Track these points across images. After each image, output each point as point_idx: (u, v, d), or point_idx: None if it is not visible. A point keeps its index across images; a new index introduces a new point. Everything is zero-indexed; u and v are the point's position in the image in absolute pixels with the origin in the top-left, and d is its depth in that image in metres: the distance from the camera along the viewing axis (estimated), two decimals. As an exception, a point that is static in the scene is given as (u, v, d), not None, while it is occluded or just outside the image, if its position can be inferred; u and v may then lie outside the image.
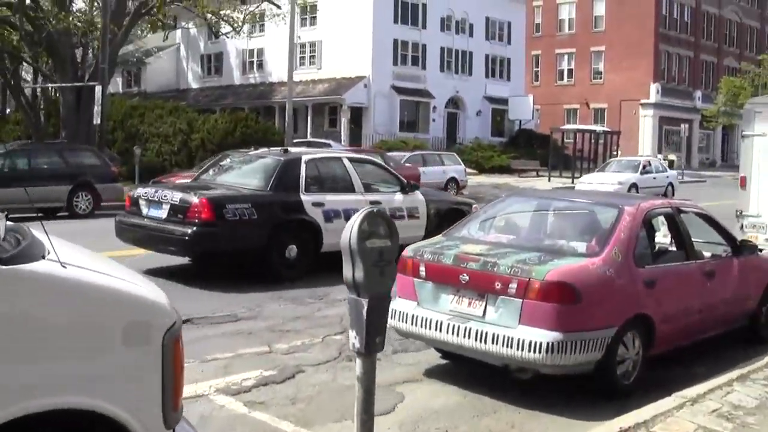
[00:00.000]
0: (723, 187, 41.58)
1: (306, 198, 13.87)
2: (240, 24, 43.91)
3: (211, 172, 15.71)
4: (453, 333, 7.70)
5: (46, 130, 41.17)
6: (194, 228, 12.71)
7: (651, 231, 9.12)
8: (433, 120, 58.37)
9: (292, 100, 36.20)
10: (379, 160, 18.57)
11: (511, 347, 7.27)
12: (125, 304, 3.93)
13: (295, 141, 46.43)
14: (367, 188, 15.12)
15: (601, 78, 71.51)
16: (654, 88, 68.35)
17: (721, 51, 77.54)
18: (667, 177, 38.98)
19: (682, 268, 8.78)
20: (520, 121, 61.04)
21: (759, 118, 15.96)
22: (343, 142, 52.51)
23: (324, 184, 14.55)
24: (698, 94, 73.13)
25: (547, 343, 7.12)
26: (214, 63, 67.60)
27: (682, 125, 60.29)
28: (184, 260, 14.45)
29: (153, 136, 41.77)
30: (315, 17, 58.11)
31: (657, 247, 9.14)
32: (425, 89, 57.93)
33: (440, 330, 7.82)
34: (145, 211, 13.71)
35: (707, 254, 9.67)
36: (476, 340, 7.51)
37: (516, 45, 64.84)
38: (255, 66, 63.51)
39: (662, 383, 8.31)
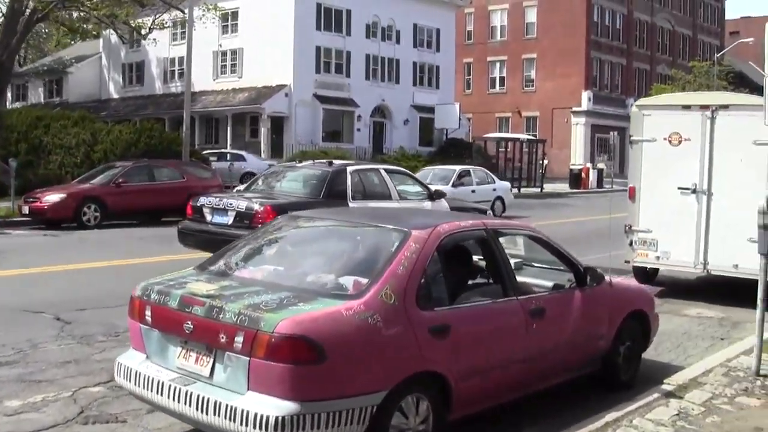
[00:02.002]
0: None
1: (353, 205, 14.97)
2: (147, 30, 41.95)
3: (260, 182, 16.80)
4: (174, 398, 5.88)
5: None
6: None
7: (460, 260, 7.34)
8: (358, 129, 56.54)
9: (189, 111, 34.25)
10: (409, 172, 19.96)
11: (235, 421, 5.45)
12: None
13: (205, 152, 44.53)
14: (401, 196, 16.48)
15: (533, 86, 70.25)
16: (586, 95, 67.18)
17: (653, 58, 76.72)
18: (494, 190, 32.70)
19: (492, 308, 6.92)
20: (446, 130, 59.37)
21: (648, 121, 14.37)
22: (263, 153, 50.69)
23: (366, 192, 15.77)
24: (631, 101, 71.72)
25: (277, 418, 5.29)
26: (135, 72, 65.39)
27: (612, 133, 58.93)
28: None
29: (57, 148, 39.64)
30: (236, 24, 56.14)
31: (465, 282, 7.33)
32: (349, 98, 56.05)
33: (161, 393, 5.99)
34: (209, 218, 14.90)
35: (547, 285, 7.96)
36: (198, 409, 5.69)
37: (445, 52, 63.10)
38: (176, 75, 61.27)
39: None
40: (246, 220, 14.02)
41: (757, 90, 68.42)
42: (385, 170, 17.06)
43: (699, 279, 15.63)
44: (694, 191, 13.78)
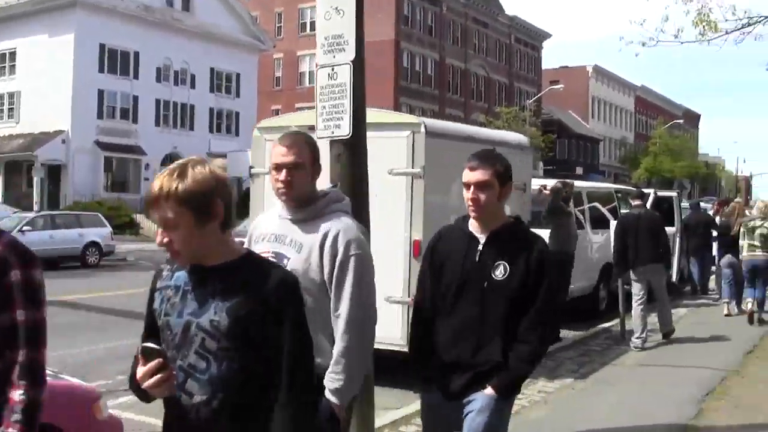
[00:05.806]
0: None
1: None
2: None
3: None
4: None
5: None
6: None
7: None
8: (146, 179, 52.59)
9: None
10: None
11: None
12: None
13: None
14: None
15: (342, 133, 68.06)
16: (394, 142, 65.22)
17: (468, 105, 75.67)
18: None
19: None
20: (239, 179, 56.04)
21: (271, 148, 11.53)
22: (35, 204, 46.36)
23: None
24: (443, 148, 70.67)
25: None
26: None
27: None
28: None
29: None
30: (14, 65, 52.06)
31: None
32: (137, 145, 52.33)
33: None
34: None
35: None
36: None
37: (246, 98, 60.20)
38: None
39: None
40: None
41: (575, 138, 68.11)
42: None
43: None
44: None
